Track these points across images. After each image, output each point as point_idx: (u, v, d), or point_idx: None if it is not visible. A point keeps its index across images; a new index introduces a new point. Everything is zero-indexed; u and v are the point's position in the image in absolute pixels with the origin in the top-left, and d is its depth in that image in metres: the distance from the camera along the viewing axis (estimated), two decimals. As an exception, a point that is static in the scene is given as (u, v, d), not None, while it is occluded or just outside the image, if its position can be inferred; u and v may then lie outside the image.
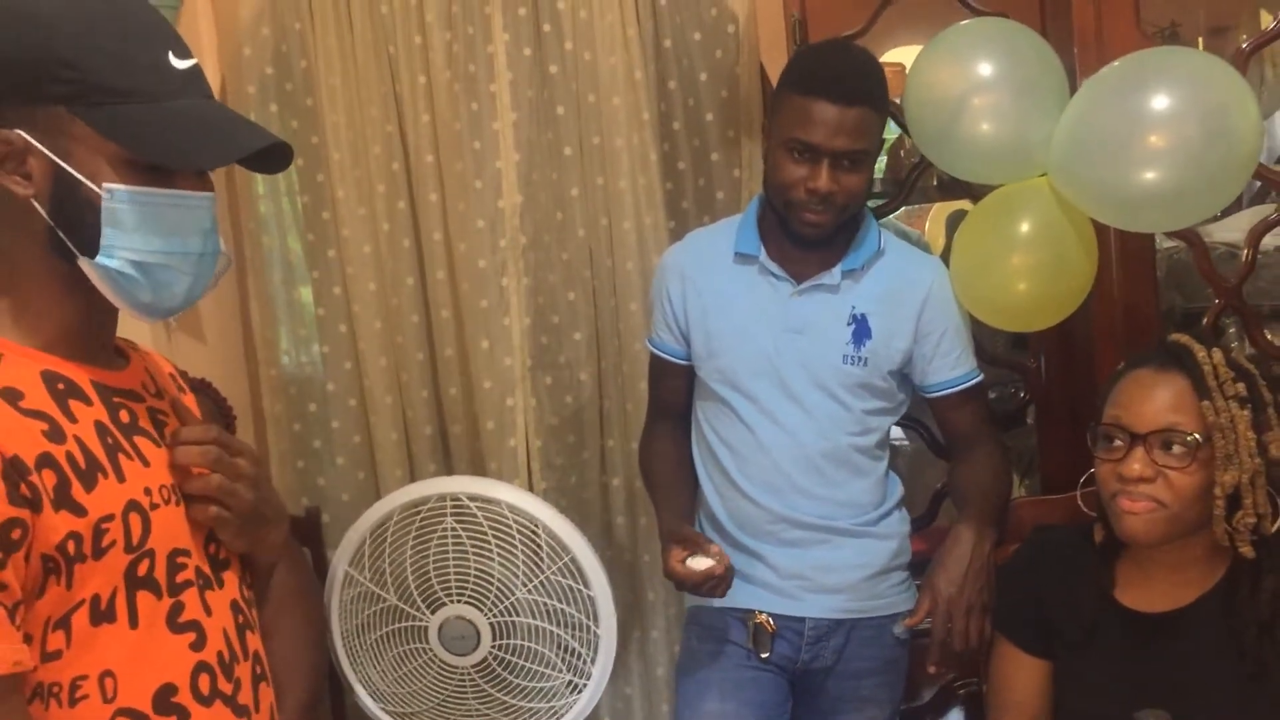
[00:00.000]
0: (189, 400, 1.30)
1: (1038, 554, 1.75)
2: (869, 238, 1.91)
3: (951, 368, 1.91)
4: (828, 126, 1.75)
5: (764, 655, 1.93)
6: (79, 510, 1.02)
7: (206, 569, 1.16)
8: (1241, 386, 1.51)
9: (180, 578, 1.12)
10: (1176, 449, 1.50)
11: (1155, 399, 1.52)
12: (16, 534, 0.98)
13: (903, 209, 2.68)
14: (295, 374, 2.63)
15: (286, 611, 2.03)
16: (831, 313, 1.89)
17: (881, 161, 2.38)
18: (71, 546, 1.02)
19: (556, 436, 2.53)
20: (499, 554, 2.04)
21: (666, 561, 1.82)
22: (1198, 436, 1.49)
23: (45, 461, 1.01)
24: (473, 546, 2.04)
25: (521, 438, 2.50)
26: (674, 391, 2.06)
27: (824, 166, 1.77)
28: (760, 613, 1.93)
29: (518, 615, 2.07)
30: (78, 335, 1.11)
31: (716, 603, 1.89)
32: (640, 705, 2.59)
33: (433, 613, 2.07)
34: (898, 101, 1.98)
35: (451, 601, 2.06)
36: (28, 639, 1.01)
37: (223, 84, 2.47)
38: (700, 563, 1.77)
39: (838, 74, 1.79)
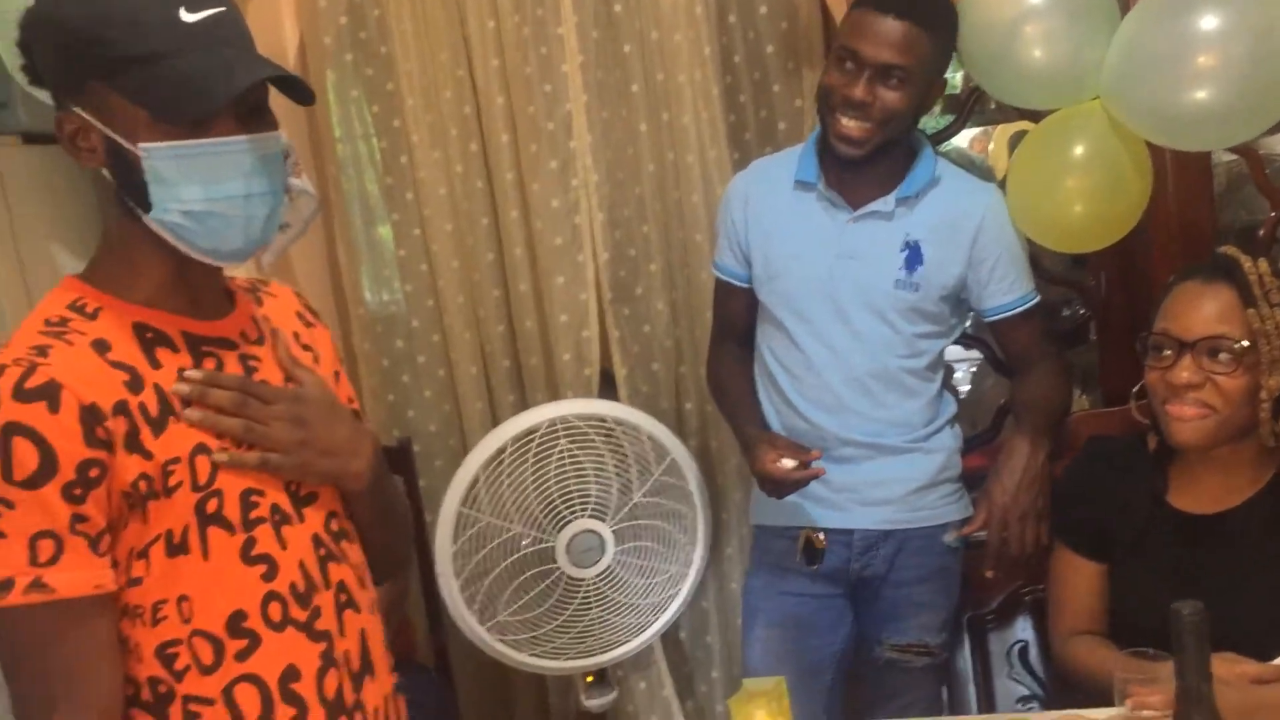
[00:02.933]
0: (318, 333, 1.40)
1: (1093, 463, 1.82)
2: (923, 166, 1.95)
3: (1006, 292, 1.96)
4: (874, 37, 1.81)
5: (813, 566, 2.05)
6: (146, 454, 1.13)
7: (287, 506, 1.24)
8: None
9: (254, 515, 1.20)
10: (1223, 355, 1.55)
11: (1202, 309, 1.57)
12: (94, 473, 1.10)
13: (965, 131, 2.70)
14: (379, 313, 2.73)
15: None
16: (885, 239, 1.95)
17: (957, 76, 2.38)
18: (143, 486, 1.13)
19: (641, 364, 2.61)
20: (614, 466, 2.18)
21: (760, 461, 1.90)
22: (1244, 343, 1.54)
23: (120, 409, 1.12)
24: (590, 463, 2.17)
25: (596, 367, 2.58)
26: (737, 314, 2.15)
27: (864, 77, 1.82)
28: (811, 529, 2.04)
29: (635, 519, 2.22)
30: (172, 288, 1.21)
31: (772, 522, 2.06)
32: (716, 619, 2.71)
33: (559, 532, 2.18)
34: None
35: (576, 518, 2.17)
36: (115, 565, 1.14)
37: (301, 39, 2.56)
38: (789, 463, 1.87)
39: None
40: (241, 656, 1.19)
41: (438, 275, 2.60)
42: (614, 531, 2.20)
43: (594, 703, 2.37)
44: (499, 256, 2.59)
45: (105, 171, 1.17)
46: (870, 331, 1.96)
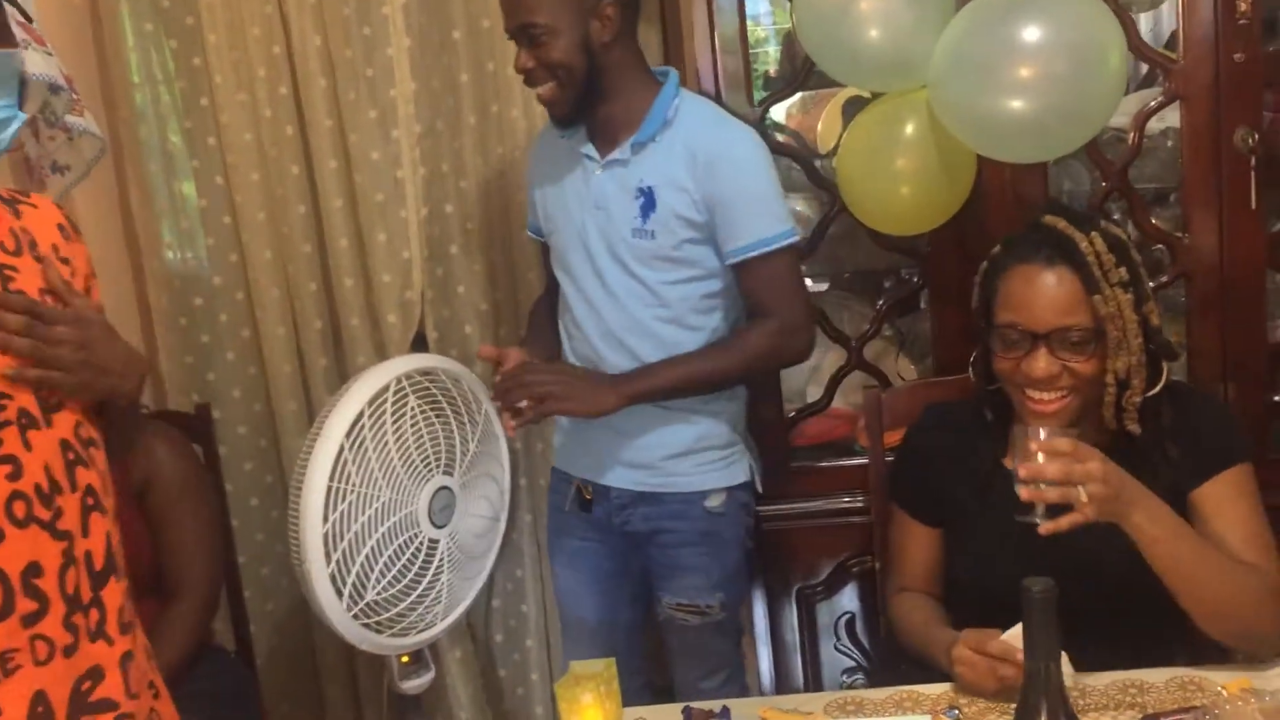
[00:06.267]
0: (76, 247, 1.37)
1: (929, 428, 1.82)
2: (657, 108, 1.91)
3: (739, 236, 1.89)
4: (505, 9, 1.89)
5: (585, 514, 2.11)
6: None
7: (34, 409, 1.24)
8: (1124, 271, 1.55)
9: (0, 417, 1.21)
10: (1075, 342, 1.55)
11: (1049, 297, 1.56)
12: None
13: (798, 95, 2.66)
14: (180, 269, 2.55)
15: (175, 503, 2.04)
16: (623, 187, 1.93)
17: (773, 51, 2.37)
18: None
19: (452, 328, 2.50)
20: (454, 419, 2.12)
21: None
22: (1093, 328, 1.54)
23: None
24: (438, 418, 2.09)
25: (415, 328, 2.47)
26: (549, 273, 2.15)
27: (519, 48, 1.88)
28: (582, 480, 2.10)
29: (472, 471, 2.16)
30: None
31: (561, 467, 2.15)
32: (532, 588, 2.63)
33: (419, 493, 2.07)
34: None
35: (432, 476, 2.08)
36: None
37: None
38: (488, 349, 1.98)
39: None
40: None
41: (242, 228, 2.44)
42: (463, 484, 2.14)
43: (411, 683, 2.24)
44: (311, 209, 2.43)
45: None
46: (618, 283, 1.96)
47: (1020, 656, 1.17)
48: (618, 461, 2.04)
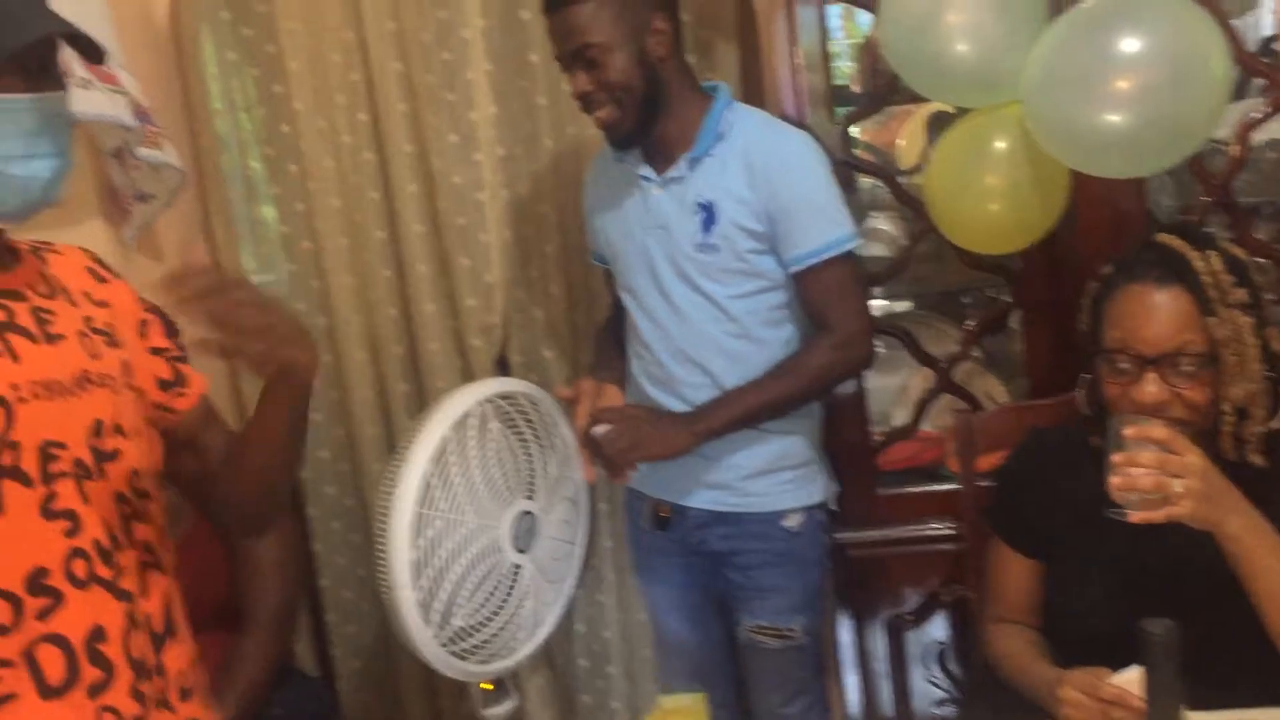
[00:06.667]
0: (114, 287, 1.33)
1: (1033, 457, 1.74)
2: (709, 123, 1.91)
3: (799, 243, 1.88)
4: (555, 35, 1.88)
5: (662, 531, 2.10)
6: None
7: (89, 460, 1.19)
8: (1243, 293, 1.47)
9: (54, 468, 1.15)
10: (1186, 368, 1.47)
11: (1160, 319, 1.48)
12: None
13: (884, 110, 2.61)
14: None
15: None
16: (683, 204, 1.93)
17: (848, 67, 2.33)
18: None
19: (533, 351, 2.48)
20: (535, 442, 2.11)
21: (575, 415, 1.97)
22: (1206, 353, 1.46)
23: None
24: (519, 442, 2.09)
25: (498, 350, 2.45)
26: (615, 297, 2.16)
27: (574, 72, 1.87)
28: (657, 499, 2.09)
29: (553, 495, 2.15)
30: None
31: (635, 485, 2.10)
32: (616, 614, 2.59)
33: (501, 518, 2.06)
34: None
35: (515, 500, 2.07)
36: None
37: (173, -7, 2.37)
38: (600, 429, 1.90)
39: None
40: (43, 615, 1.13)
41: (323, 254, 2.45)
42: (542, 510, 2.12)
43: (494, 711, 2.22)
44: (391, 235, 2.43)
45: None
46: (684, 300, 1.95)
47: (1137, 702, 1.11)
48: (694, 481, 2.02)
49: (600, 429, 1.89)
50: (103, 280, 1.32)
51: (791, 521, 2.01)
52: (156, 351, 1.35)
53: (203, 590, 1.87)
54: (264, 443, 1.31)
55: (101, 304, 1.29)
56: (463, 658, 2.02)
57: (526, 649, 2.14)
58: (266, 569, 2.05)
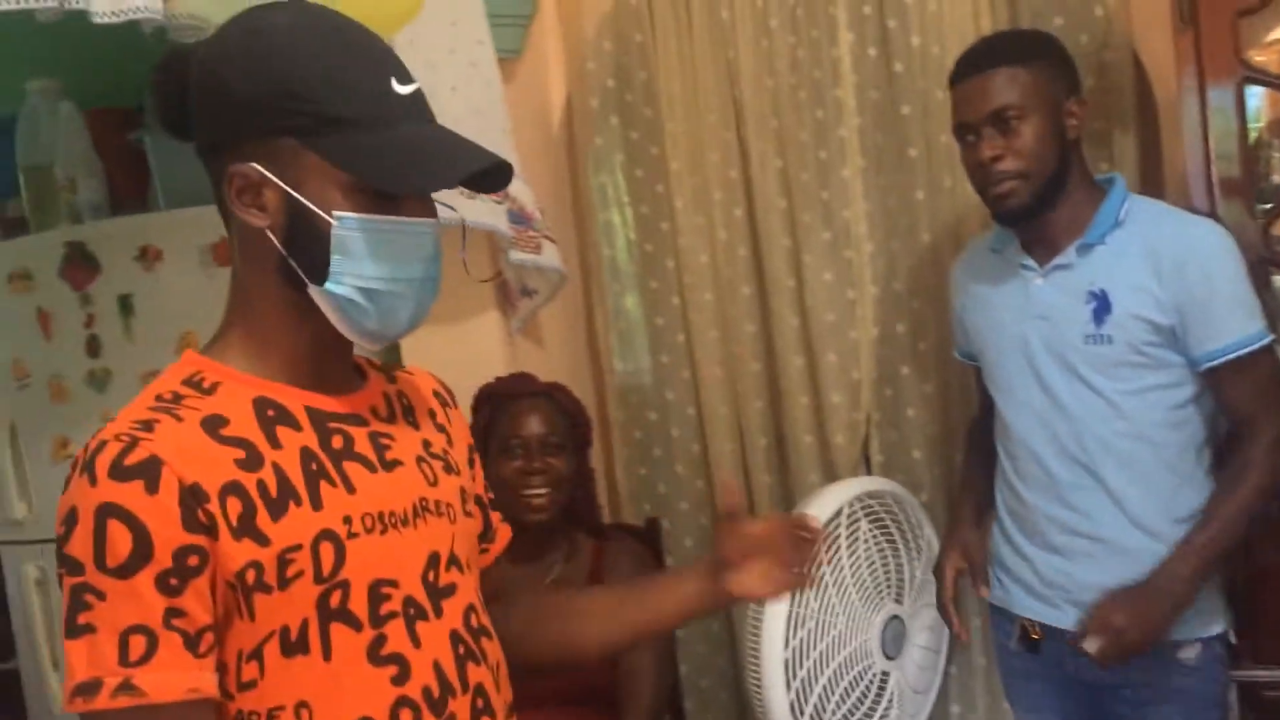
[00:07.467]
0: (453, 414, 1.30)
1: None
2: (1106, 208, 1.80)
3: (1214, 337, 1.72)
4: (970, 102, 1.81)
5: (1033, 654, 1.93)
6: (262, 539, 1.01)
7: (423, 598, 1.11)
8: None
9: (385, 609, 1.07)
10: None
11: None
12: (194, 560, 0.98)
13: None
14: (627, 382, 2.65)
15: None
16: (1070, 293, 1.82)
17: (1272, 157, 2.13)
18: (251, 576, 1.00)
19: (899, 451, 2.42)
20: (902, 544, 2.07)
21: (940, 565, 1.96)
22: None
23: (231, 489, 1.00)
24: (888, 543, 2.06)
25: (861, 448, 2.42)
26: (984, 395, 2.06)
27: (983, 137, 1.79)
28: (1027, 619, 1.92)
29: (918, 600, 2.10)
30: (303, 362, 1.11)
31: (997, 602, 1.98)
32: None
33: (871, 621, 2.03)
34: None
35: (885, 604, 2.03)
36: (223, 668, 1.01)
37: (568, 100, 2.54)
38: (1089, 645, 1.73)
39: (968, 54, 1.86)
40: None
41: (695, 346, 2.50)
42: (909, 615, 2.06)
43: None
44: (761, 329, 2.46)
45: (270, 235, 1.06)
46: (1070, 396, 1.82)
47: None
48: (1071, 601, 1.84)
49: (1089, 645, 1.73)
50: (445, 404, 1.30)
51: (1187, 653, 1.80)
52: (478, 499, 1.30)
53: (591, 673, 1.94)
54: (624, 623, 1.31)
55: (442, 428, 1.26)
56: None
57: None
58: (642, 671, 2.05)
